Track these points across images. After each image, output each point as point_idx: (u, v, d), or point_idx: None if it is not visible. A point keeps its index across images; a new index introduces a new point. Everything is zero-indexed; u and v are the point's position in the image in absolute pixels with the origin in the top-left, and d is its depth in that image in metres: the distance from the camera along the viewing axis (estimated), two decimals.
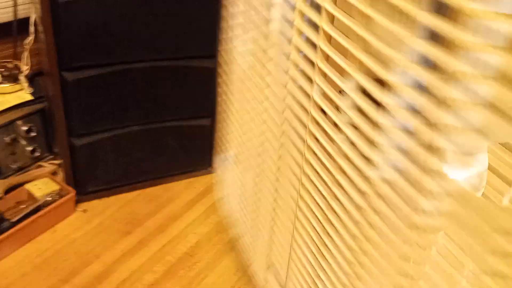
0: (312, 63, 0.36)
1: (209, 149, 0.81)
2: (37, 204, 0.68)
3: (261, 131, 0.49)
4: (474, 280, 0.25)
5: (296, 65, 0.39)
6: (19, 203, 0.69)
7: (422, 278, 0.29)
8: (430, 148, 0.26)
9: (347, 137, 0.33)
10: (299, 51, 0.39)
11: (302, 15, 0.38)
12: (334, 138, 0.35)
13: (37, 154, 0.76)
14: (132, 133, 0.73)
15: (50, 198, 0.70)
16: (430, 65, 0.25)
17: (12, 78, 0.73)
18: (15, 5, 0.73)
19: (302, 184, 0.41)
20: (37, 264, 0.65)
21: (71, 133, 0.68)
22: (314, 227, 0.41)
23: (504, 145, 0.39)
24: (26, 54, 0.71)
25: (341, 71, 0.33)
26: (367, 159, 0.31)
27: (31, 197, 0.70)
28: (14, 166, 0.75)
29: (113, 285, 0.63)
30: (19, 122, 0.73)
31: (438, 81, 0.24)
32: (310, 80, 0.37)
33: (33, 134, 0.74)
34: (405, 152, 0.28)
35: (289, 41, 0.40)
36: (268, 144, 0.47)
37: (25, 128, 0.73)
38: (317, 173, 0.38)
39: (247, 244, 0.61)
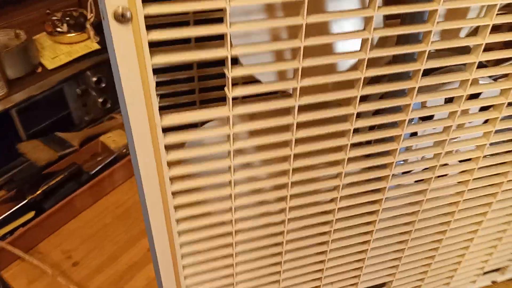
0: None
1: None
2: (114, 155, 0.67)
3: None
4: None
5: None
6: (95, 155, 0.68)
7: None
8: None
9: None
10: None
11: None
12: None
13: (108, 105, 0.74)
14: None
15: (125, 150, 0.68)
16: None
17: (79, 26, 0.70)
18: None
19: None
20: (118, 214, 0.65)
21: None
22: None
23: None
24: (90, 1, 0.67)
25: None
26: None
27: (106, 149, 0.69)
28: (86, 118, 0.74)
29: None
30: (89, 73, 0.71)
31: None
32: None
33: (103, 84, 0.72)
34: None
35: None
36: None
37: (94, 78, 0.71)
38: None
39: None
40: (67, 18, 0.71)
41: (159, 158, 0.28)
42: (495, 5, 0.28)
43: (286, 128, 0.30)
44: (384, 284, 0.49)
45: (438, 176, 0.38)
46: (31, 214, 0.59)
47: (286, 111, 0.29)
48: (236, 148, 0.29)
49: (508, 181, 0.41)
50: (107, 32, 0.23)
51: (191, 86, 0.44)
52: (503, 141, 0.38)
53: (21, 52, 0.64)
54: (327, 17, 0.26)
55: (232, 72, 0.26)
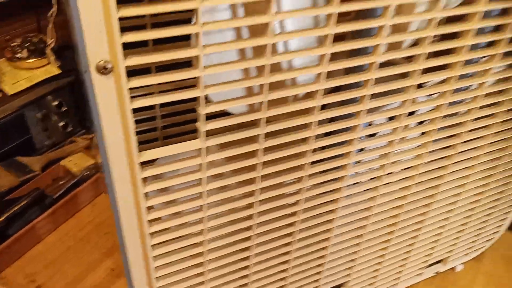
0: None
1: None
2: (76, 179, 0.68)
3: None
4: None
5: None
6: (57, 179, 0.69)
7: None
8: None
9: None
10: None
11: None
12: None
13: (69, 129, 0.75)
14: None
15: (88, 172, 0.69)
16: None
17: (39, 52, 0.71)
18: None
19: None
20: (80, 237, 0.66)
21: None
22: None
23: None
24: (50, 27, 0.68)
25: None
26: None
27: (68, 172, 0.70)
28: (47, 142, 0.74)
29: None
30: (49, 97, 0.72)
31: None
32: None
33: (64, 108, 0.73)
34: None
35: None
36: None
37: (55, 103, 0.72)
38: None
39: None
40: (27, 44, 0.71)
41: (135, 186, 0.31)
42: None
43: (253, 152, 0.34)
44: (342, 285, 0.53)
45: (385, 183, 0.43)
46: None
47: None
48: (208, 174, 0.33)
49: (445, 183, 0.47)
50: (88, 82, 0.26)
51: (155, 124, 0.49)
52: (439, 149, 0.44)
53: None
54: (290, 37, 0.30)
55: (205, 110, 0.30)
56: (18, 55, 0.70)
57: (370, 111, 0.36)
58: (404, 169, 0.44)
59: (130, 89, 0.27)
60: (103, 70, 0.25)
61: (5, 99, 0.67)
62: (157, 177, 0.32)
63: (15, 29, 0.73)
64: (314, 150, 0.36)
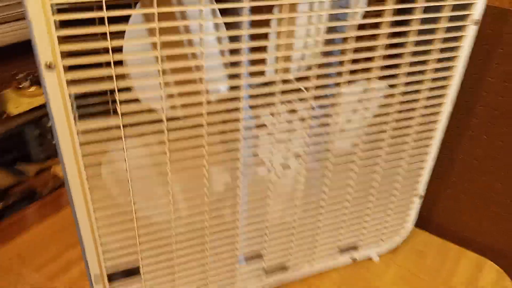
0: None
1: None
2: (61, 182, 0.84)
3: None
4: None
5: None
6: (46, 182, 0.85)
7: None
8: None
9: None
10: None
11: None
12: None
13: None
14: None
15: None
16: None
17: (38, 83, 0.90)
18: None
19: None
20: (62, 227, 0.81)
21: None
22: None
23: None
24: None
25: None
26: None
27: (56, 177, 0.86)
28: (41, 156, 0.91)
29: None
30: (45, 119, 0.90)
31: None
32: None
33: None
34: None
35: None
36: None
37: (49, 124, 0.90)
38: None
39: None
40: (29, 77, 0.90)
41: (73, 139, 0.47)
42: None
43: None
44: (260, 255, 0.66)
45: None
46: None
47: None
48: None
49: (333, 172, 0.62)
50: (41, 75, 0.42)
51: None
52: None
53: None
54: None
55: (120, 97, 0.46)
56: (22, 85, 0.89)
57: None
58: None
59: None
60: (49, 67, 0.42)
61: (9, 119, 0.85)
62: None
63: (21, 66, 0.93)
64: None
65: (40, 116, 0.89)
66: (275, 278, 0.69)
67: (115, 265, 0.58)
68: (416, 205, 0.72)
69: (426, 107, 0.61)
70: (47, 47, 0.41)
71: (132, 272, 0.61)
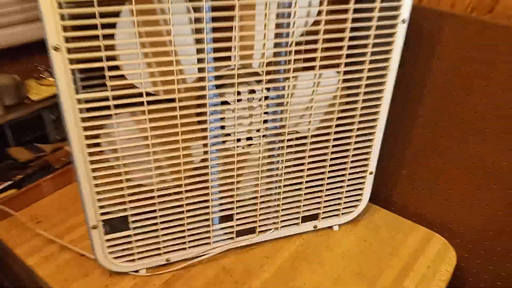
0: None
1: None
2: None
3: None
4: None
5: None
6: (60, 158, 1.00)
7: None
8: None
9: None
10: None
11: None
12: None
13: None
14: None
15: None
16: None
17: None
18: None
19: None
20: (73, 197, 0.95)
21: None
22: None
23: None
24: None
25: None
26: None
27: (69, 154, 1.00)
28: (57, 136, 1.06)
29: None
30: None
31: None
32: None
33: None
34: None
35: None
36: None
37: None
38: None
39: None
40: (49, 69, 1.05)
41: (74, 108, 0.60)
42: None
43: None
44: (230, 216, 0.79)
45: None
46: (14, 190, 0.89)
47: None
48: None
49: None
50: (49, 54, 0.56)
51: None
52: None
53: (15, 88, 0.98)
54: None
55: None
56: (42, 75, 1.04)
57: None
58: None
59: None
60: (56, 49, 0.56)
61: (30, 104, 1.00)
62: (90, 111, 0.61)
63: (41, 60, 1.08)
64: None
65: (56, 103, 1.03)
66: (245, 239, 0.81)
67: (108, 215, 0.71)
68: (368, 180, 0.84)
69: (366, 93, 0.72)
70: (54, 33, 0.55)
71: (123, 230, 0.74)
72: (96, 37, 0.57)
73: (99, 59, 0.58)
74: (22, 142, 0.99)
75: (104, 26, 0.57)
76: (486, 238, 0.85)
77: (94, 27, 0.56)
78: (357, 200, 0.87)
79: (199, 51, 0.62)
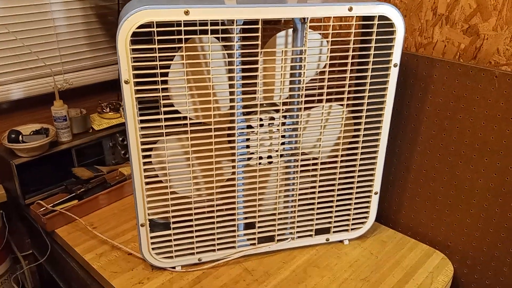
0: None
1: None
2: (125, 177, 1.18)
3: None
4: None
5: None
6: (114, 177, 1.19)
7: None
8: None
9: None
10: None
11: None
12: None
13: (127, 156, 1.27)
14: None
15: None
16: None
17: (116, 109, 1.26)
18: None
19: None
20: (122, 209, 1.13)
21: None
22: None
23: None
24: None
25: None
26: None
27: (121, 174, 1.20)
28: (113, 161, 1.26)
29: None
30: (117, 135, 1.25)
31: None
32: None
33: (125, 142, 1.26)
34: None
35: None
36: None
37: (120, 138, 1.25)
38: None
39: None
40: (110, 105, 1.27)
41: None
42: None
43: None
44: (252, 224, 0.94)
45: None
46: (76, 201, 1.08)
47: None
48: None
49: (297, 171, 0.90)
50: (121, 86, 0.76)
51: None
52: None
53: (81, 120, 1.19)
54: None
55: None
56: (104, 111, 1.26)
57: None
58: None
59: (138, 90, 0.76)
60: (126, 82, 0.76)
61: (93, 133, 1.21)
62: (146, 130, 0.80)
63: (103, 97, 1.31)
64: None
65: (114, 133, 1.24)
66: (265, 245, 0.95)
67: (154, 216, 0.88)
68: (374, 199, 0.97)
69: (367, 123, 0.88)
70: (126, 71, 0.75)
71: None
72: (154, 75, 0.77)
73: (155, 91, 0.77)
74: (84, 164, 1.20)
75: (161, 67, 0.77)
76: (481, 254, 0.96)
77: (153, 68, 0.76)
78: (365, 217, 1.00)
79: (231, 87, 0.81)
